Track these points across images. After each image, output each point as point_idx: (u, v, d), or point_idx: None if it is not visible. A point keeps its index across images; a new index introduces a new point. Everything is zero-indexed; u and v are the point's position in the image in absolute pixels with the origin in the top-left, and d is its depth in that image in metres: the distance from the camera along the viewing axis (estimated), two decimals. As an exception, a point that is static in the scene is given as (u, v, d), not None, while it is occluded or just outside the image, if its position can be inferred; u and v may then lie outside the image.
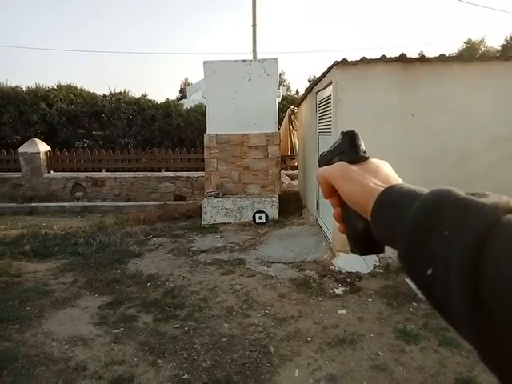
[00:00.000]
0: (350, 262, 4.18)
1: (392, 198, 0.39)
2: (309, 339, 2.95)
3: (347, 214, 0.47)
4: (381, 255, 4.03)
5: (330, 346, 2.86)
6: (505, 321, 0.27)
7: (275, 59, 6.94)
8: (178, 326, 3.20)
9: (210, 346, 2.90)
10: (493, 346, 0.28)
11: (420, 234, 0.33)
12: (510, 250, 0.27)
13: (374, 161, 0.47)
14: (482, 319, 0.28)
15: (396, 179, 0.44)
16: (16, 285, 4.09)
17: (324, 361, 2.69)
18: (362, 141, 0.48)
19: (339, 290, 3.76)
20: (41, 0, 64.09)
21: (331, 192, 0.48)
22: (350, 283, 3.89)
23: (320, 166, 0.51)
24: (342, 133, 0.49)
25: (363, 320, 3.21)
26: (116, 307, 3.55)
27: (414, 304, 3.40)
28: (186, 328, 3.16)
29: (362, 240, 0.46)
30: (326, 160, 0.51)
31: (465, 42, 21.29)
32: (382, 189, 0.41)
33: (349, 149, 0.48)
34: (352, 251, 0.48)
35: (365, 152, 0.47)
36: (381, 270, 4.10)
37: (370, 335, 2.98)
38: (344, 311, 3.36)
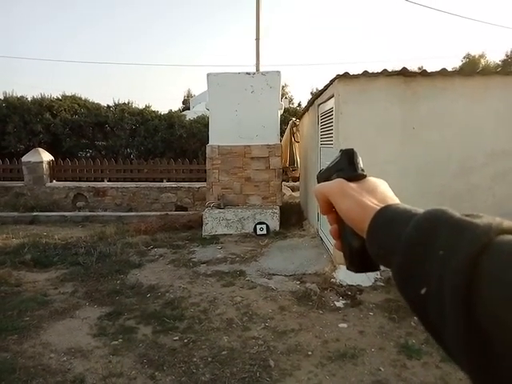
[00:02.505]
0: (351, 275, 4.15)
1: (388, 217, 0.39)
2: (309, 353, 2.92)
3: (344, 231, 0.47)
4: (382, 268, 4.00)
5: (331, 360, 2.83)
6: (499, 341, 0.26)
7: (278, 72, 7.01)
8: (177, 338, 3.17)
9: (210, 359, 2.87)
10: (485, 368, 0.27)
11: (414, 254, 0.33)
12: (501, 270, 0.27)
13: (372, 179, 0.47)
14: (475, 340, 0.28)
15: (393, 199, 0.44)
16: (15, 295, 4.07)
17: (325, 375, 2.66)
18: (360, 159, 0.49)
19: (340, 303, 3.73)
20: (43, 10, 65.16)
21: (328, 208, 0.49)
22: (351, 296, 3.86)
23: (319, 183, 0.52)
24: (340, 150, 0.50)
25: (364, 334, 3.17)
26: (115, 318, 3.52)
27: (416, 318, 3.36)
28: (185, 340, 3.13)
29: (358, 257, 0.46)
30: (324, 177, 0.52)
31: (464, 57, 21.45)
32: (379, 208, 0.41)
33: (347, 166, 0.48)
34: (348, 268, 0.48)
35: (363, 170, 0.48)
36: (382, 284, 4.07)
37: (371, 349, 2.94)
38: (345, 325, 3.33)
